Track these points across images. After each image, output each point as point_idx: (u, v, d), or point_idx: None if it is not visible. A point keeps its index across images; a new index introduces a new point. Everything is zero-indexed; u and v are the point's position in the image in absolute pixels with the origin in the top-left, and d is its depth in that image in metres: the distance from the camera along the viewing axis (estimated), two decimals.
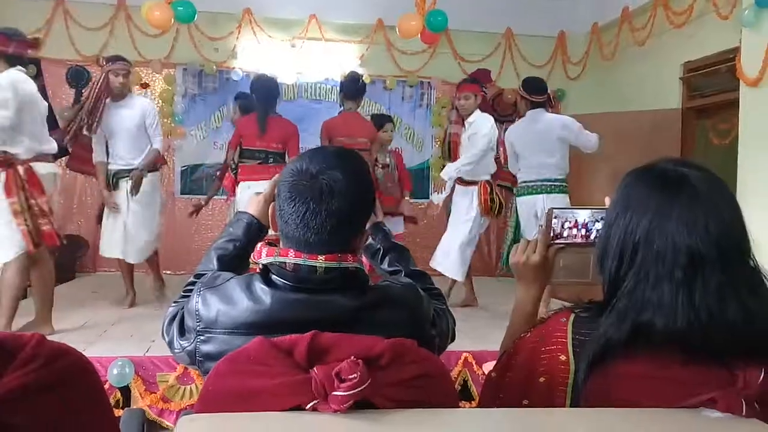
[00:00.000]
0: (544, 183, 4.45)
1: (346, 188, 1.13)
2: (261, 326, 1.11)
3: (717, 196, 1.06)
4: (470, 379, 3.34)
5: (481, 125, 4.69)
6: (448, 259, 4.75)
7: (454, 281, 4.91)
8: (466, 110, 4.74)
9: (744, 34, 4.42)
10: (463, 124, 4.83)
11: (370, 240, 1.51)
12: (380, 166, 5.02)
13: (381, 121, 5.21)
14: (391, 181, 5.07)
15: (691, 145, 5.50)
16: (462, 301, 4.89)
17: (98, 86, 4.29)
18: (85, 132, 4.32)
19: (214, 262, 1.39)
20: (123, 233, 4.33)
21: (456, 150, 4.89)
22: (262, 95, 4.61)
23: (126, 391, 3.04)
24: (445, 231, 4.97)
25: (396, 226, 4.86)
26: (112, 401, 2.94)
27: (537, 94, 4.52)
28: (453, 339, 1.41)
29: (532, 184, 4.50)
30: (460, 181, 4.81)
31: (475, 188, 4.74)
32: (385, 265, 1.50)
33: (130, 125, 4.38)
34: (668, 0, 5.51)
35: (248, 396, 0.94)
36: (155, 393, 3.05)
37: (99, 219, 4.57)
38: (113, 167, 4.42)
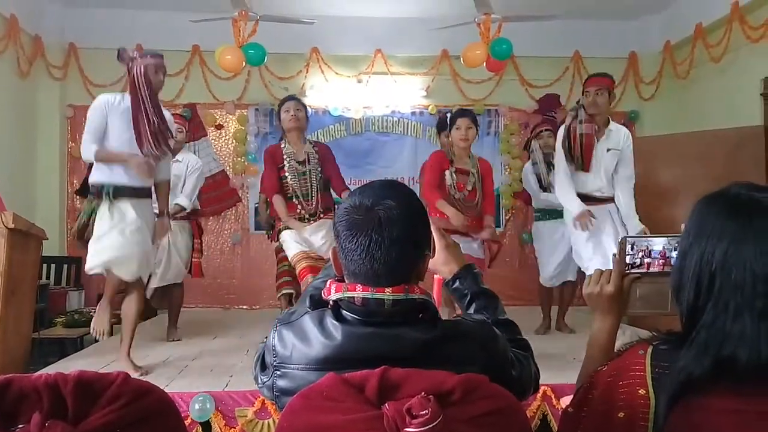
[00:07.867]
0: None
1: (402, 215, 1.15)
2: (333, 361, 1.12)
3: None
4: (550, 413, 3.23)
5: (628, 138, 4.01)
6: None
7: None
8: (600, 109, 3.91)
9: None
10: (593, 124, 3.94)
11: (457, 283, 1.48)
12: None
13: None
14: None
15: None
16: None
17: (140, 83, 3.47)
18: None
19: (307, 300, 1.42)
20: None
21: (589, 154, 3.93)
22: None
23: (207, 426, 3.10)
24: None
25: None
26: None
27: None
28: (536, 390, 1.38)
29: None
30: (592, 198, 4.02)
31: (612, 205, 4.08)
32: (471, 311, 1.46)
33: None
34: (744, 14, 5.34)
35: None
36: (234, 428, 3.09)
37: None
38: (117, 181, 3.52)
